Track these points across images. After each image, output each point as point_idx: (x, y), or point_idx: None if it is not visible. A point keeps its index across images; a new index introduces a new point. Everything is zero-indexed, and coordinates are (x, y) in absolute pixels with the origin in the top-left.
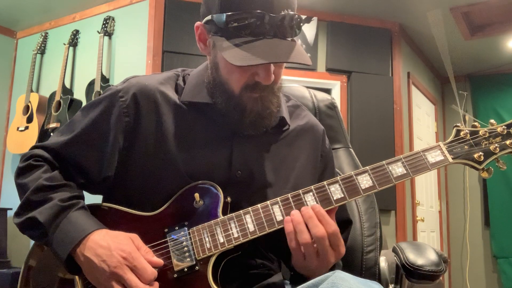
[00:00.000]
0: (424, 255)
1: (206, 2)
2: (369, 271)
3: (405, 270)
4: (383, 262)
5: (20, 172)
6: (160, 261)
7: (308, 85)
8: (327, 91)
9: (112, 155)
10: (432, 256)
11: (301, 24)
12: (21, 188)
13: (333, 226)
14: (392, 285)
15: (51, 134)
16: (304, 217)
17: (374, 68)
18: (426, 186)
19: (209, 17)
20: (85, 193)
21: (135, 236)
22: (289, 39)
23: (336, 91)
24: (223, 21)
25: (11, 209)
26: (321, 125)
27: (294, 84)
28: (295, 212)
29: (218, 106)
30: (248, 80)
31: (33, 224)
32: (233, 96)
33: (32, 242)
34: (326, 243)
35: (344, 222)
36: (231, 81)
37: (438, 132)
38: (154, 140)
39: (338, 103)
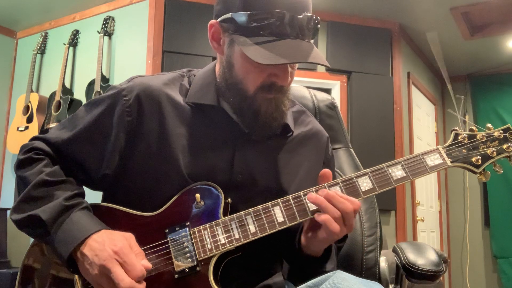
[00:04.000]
0: (424, 255)
1: (224, 1)
2: (369, 271)
3: (405, 270)
4: (383, 262)
5: (21, 165)
6: (148, 264)
7: (308, 85)
8: (327, 91)
9: (112, 154)
10: (432, 256)
11: (318, 26)
12: (22, 181)
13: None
14: (392, 285)
15: None
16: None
17: (374, 68)
18: (426, 186)
19: (227, 15)
20: (87, 190)
21: (130, 236)
22: (307, 41)
23: (336, 91)
24: (244, 20)
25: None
26: (325, 132)
27: (294, 84)
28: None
29: (230, 107)
30: (265, 80)
31: (35, 222)
32: (247, 96)
33: (31, 242)
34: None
35: None
36: (247, 80)
37: (438, 132)
38: (156, 141)
39: (338, 103)
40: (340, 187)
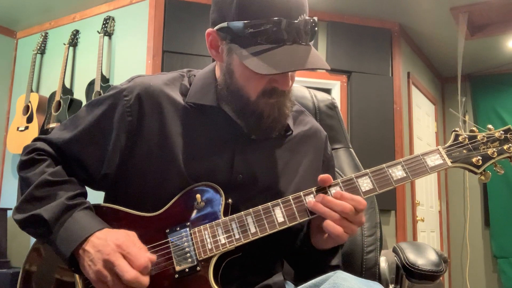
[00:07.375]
0: (424, 255)
1: (219, 10)
2: (370, 271)
3: (405, 270)
4: (383, 262)
5: (23, 165)
6: (153, 256)
7: (308, 85)
8: (327, 91)
9: (113, 153)
10: (432, 256)
11: (316, 27)
12: (24, 182)
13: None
14: (392, 285)
15: None
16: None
17: (374, 68)
18: (426, 186)
19: (223, 25)
20: (89, 191)
21: (132, 233)
22: (306, 44)
23: (336, 91)
24: (240, 29)
25: (11, 209)
26: (324, 131)
27: (294, 84)
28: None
29: (232, 110)
30: (266, 86)
31: (37, 221)
32: (250, 102)
33: (31, 242)
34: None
35: None
36: (248, 87)
37: (438, 132)
38: (157, 141)
39: (338, 103)
40: (340, 187)
